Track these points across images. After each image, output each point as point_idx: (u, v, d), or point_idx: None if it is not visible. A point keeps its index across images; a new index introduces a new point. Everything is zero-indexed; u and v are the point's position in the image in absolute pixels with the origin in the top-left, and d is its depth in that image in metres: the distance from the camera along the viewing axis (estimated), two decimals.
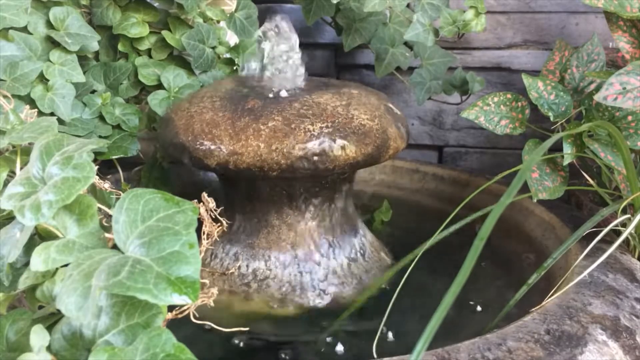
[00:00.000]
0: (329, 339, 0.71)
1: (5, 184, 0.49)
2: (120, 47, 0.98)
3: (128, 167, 1.00)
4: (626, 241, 0.76)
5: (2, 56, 0.83)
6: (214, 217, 0.52)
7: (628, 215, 0.72)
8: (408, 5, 1.07)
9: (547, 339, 0.54)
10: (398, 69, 1.11)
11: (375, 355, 0.60)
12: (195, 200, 0.44)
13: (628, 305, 0.62)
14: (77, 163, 0.41)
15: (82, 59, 0.95)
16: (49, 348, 0.36)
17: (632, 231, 0.74)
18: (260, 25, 0.85)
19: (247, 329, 0.54)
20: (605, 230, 0.70)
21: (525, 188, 0.80)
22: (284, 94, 0.78)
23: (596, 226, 0.72)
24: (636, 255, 0.76)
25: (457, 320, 0.68)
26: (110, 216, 0.39)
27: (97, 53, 0.99)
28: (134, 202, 0.38)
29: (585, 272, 0.66)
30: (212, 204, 0.52)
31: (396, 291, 0.66)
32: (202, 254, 0.42)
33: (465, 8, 1.00)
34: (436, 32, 1.00)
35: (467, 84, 1.09)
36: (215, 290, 0.45)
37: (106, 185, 0.57)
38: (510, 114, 0.87)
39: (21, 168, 0.49)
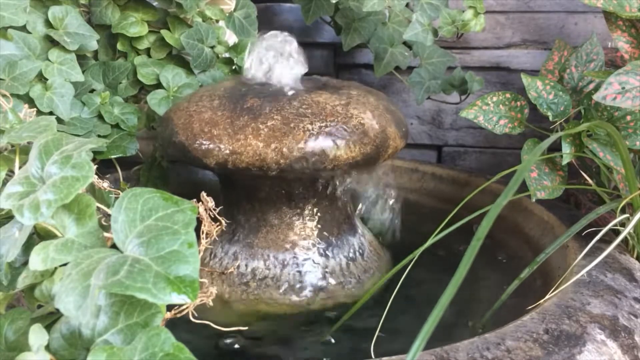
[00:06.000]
0: (328, 339, 0.71)
1: (4, 183, 0.49)
2: (119, 46, 0.98)
3: (127, 166, 1.00)
4: (625, 241, 0.76)
5: (1, 55, 0.83)
6: (212, 216, 0.52)
7: (627, 215, 0.72)
8: (407, 5, 1.07)
9: (546, 338, 0.54)
10: (397, 68, 1.11)
11: (373, 355, 0.60)
12: (194, 200, 0.44)
13: (627, 304, 0.62)
14: (76, 162, 0.41)
15: (81, 58, 0.95)
16: (47, 347, 0.36)
17: (631, 231, 0.74)
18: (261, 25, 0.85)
19: (245, 328, 0.54)
20: (604, 230, 0.70)
21: (524, 187, 0.80)
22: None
23: (595, 226, 0.72)
24: (635, 255, 0.76)
25: None
26: (109, 215, 0.39)
27: (96, 52, 0.99)
28: (133, 201, 0.38)
29: (583, 271, 0.66)
30: (211, 203, 0.52)
31: (394, 290, 0.66)
32: (201, 253, 0.42)
33: (464, 8, 1.00)
34: (435, 32, 1.00)
35: (466, 83, 1.09)
36: (214, 290, 0.45)
37: (105, 184, 0.57)
38: (509, 114, 0.87)
39: (20, 167, 0.49)
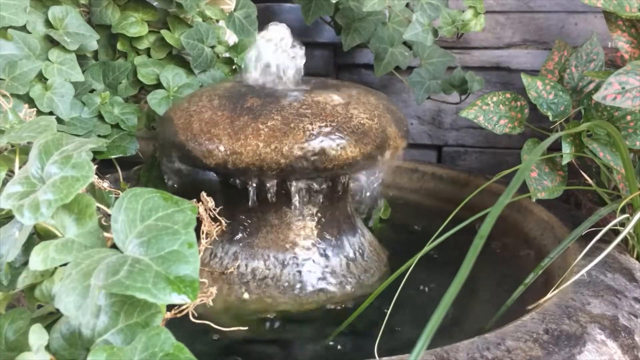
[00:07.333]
0: (328, 339, 0.71)
1: (4, 183, 0.49)
2: (119, 46, 0.98)
3: (127, 166, 1.00)
4: (625, 241, 0.76)
5: (1, 55, 0.83)
6: (212, 216, 0.52)
7: (627, 215, 0.72)
8: (407, 5, 1.07)
9: (546, 338, 0.54)
10: (397, 68, 1.11)
11: (376, 355, 0.60)
12: (194, 200, 0.44)
13: (627, 304, 0.62)
14: (76, 162, 0.41)
15: (81, 58, 0.95)
16: (47, 347, 0.36)
17: (631, 231, 0.74)
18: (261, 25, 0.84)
19: (245, 328, 0.54)
20: (604, 230, 0.70)
21: (524, 187, 0.80)
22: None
23: (595, 226, 0.72)
24: (635, 255, 0.76)
25: None
26: (109, 215, 0.39)
27: (96, 52, 0.99)
28: (133, 201, 0.38)
29: (583, 271, 0.66)
30: (211, 203, 0.52)
31: (396, 292, 0.66)
32: (201, 253, 0.42)
33: (465, 8, 1.00)
34: (435, 32, 1.00)
35: (466, 83, 1.09)
36: (214, 290, 0.45)
37: (105, 184, 0.57)
38: (509, 114, 0.87)
39: (20, 167, 0.49)
